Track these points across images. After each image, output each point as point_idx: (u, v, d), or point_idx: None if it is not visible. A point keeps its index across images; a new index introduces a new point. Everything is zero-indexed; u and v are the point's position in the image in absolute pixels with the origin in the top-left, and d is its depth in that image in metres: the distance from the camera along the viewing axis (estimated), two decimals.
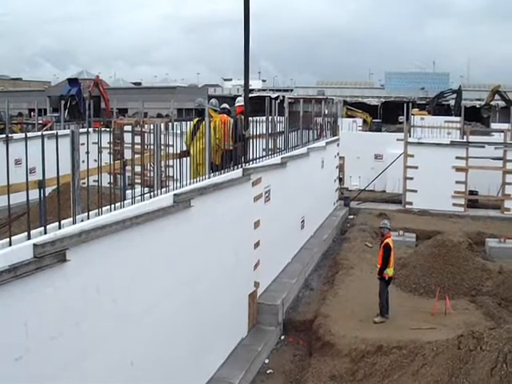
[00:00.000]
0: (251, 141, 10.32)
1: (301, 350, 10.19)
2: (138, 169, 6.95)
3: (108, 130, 15.43)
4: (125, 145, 9.91)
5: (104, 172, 6.06)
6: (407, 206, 20.73)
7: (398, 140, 22.93)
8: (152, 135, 6.98)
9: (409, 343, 8.74)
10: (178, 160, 7.66)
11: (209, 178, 8.41)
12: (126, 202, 6.21)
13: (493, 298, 11.40)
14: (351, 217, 20.28)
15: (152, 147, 7.07)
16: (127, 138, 8.25)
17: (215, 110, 11.11)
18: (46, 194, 6.00)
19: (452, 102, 49.62)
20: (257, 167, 10.24)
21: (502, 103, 48.20)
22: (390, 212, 19.79)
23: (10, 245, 4.50)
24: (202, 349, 7.89)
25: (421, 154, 20.54)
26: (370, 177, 22.91)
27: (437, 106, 49.70)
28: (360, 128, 33.99)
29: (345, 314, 10.61)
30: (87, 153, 6.05)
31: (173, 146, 7.90)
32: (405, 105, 24.70)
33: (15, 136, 18.09)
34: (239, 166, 9.61)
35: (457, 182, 20.18)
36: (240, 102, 11.75)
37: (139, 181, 7.23)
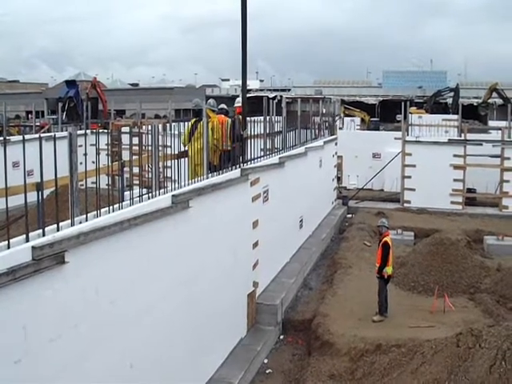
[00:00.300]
0: (249, 141, 10.33)
1: (300, 349, 10.20)
2: (136, 170, 6.96)
3: (106, 131, 15.44)
4: (123, 146, 9.91)
5: (102, 174, 6.06)
6: (405, 205, 20.75)
7: (395, 139, 22.95)
8: (150, 136, 6.99)
9: (408, 341, 8.76)
10: (176, 161, 7.67)
11: (207, 178, 8.42)
12: (124, 203, 6.21)
13: (491, 296, 11.42)
14: (349, 216, 20.28)
15: (150, 148, 7.08)
16: (125, 139, 8.26)
17: (213, 111, 11.12)
18: (44, 197, 6.00)
19: (450, 100, 49.56)
20: (255, 167, 10.25)
21: (499, 101, 48.15)
22: (389, 211, 19.81)
23: (9, 247, 4.50)
24: (201, 349, 7.90)
25: (418, 153, 20.56)
26: (368, 176, 22.91)
27: (434, 105, 49.64)
28: (358, 127, 33.98)
29: (344, 313, 10.63)
30: (85, 154, 6.06)
31: (171, 146, 7.91)
32: (402, 103, 24.75)
33: (13, 138, 18.08)
34: (237, 166, 9.62)
35: (455, 180, 20.19)
36: (239, 102, 11.77)
37: (137, 182, 7.25)
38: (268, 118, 12.53)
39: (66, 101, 32.64)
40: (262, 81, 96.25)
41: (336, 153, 21.07)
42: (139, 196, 6.48)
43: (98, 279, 5.42)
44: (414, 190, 20.62)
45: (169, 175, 7.69)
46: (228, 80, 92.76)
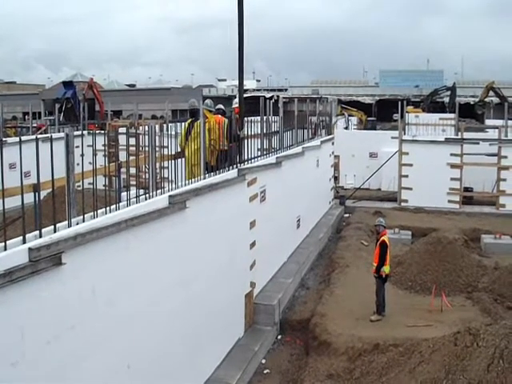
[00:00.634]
0: (246, 141, 10.33)
1: (298, 349, 10.20)
2: (133, 171, 6.95)
3: (102, 132, 15.41)
4: (119, 147, 9.91)
5: (99, 174, 6.07)
6: (402, 204, 20.77)
7: (392, 138, 22.94)
8: (147, 137, 6.98)
9: (405, 341, 8.76)
10: (173, 161, 7.67)
11: (204, 178, 8.41)
12: (121, 204, 6.21)
13: (489, 294, 11.43)
14: (347, 215, 20.31)
15: (147, 149, 7.07)
16: (122, 139, 8.25)
17: (210, 111, 11.13)
18: (41, 198, 6.00)
19: (446, 100, 49.61)
20: (252, 167, 10.25)
21: (496, 100, 48.20)
22: (386, 210, 19.81)
23: (6, 249, 4.50)
24: (199, 349, 7.90)
25: (415, 152, 20.58)
26: (365, 175, 22.93)
27: (431, 104, 49.65)
28: (355, 126, 33.96)
29: (341, 313, 10.63)
30: (82, 155, 6.05)
31: (167, 147, 7.91)
32: (399, 103, 24.76)
33: (9, 140, 18.01)
34: (234, 166, 9.62)
35: (452, 179, 20.20)
36: (237, 103, 11.77)
37: (134, 183, 7.23)
38: (265, 117, 12.54)
39: (63, 102, 32.60)
40: (258, 81, 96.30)
41: (333, 152, 21.08)
42: (136, 197, 6.47)
43: (95, 280, 5.41)
44: (411, 189, 20.64)
45: (166, 176, 7.68)
46: (225, 80, 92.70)
